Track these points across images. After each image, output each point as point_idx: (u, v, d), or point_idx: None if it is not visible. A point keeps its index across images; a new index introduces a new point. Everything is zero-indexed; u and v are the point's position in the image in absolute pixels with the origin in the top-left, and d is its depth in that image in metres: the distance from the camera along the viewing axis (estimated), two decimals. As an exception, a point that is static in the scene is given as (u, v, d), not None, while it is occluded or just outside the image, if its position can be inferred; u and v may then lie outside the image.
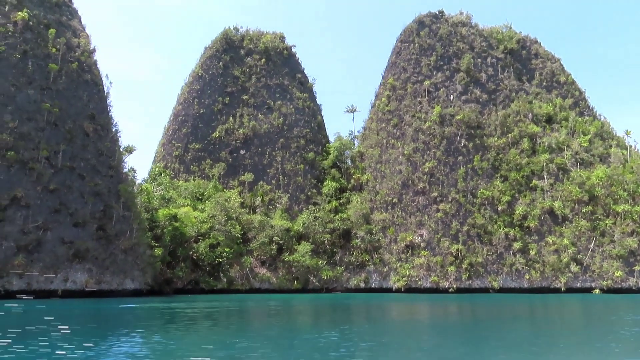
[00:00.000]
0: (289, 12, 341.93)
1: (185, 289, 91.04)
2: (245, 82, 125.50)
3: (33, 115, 70.01)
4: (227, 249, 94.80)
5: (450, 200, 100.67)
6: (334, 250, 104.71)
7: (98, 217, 70.28)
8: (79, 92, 76.03)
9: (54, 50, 74.39)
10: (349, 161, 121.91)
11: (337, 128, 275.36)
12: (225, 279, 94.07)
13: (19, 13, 73.80)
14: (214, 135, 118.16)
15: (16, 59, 71.62)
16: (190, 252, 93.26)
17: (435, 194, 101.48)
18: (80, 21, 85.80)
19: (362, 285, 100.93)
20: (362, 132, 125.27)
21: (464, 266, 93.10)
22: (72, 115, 73.63)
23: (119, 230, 71.83)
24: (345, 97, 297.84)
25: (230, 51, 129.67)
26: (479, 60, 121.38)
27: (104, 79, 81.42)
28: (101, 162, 74.35)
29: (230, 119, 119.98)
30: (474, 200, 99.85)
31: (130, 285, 70.21)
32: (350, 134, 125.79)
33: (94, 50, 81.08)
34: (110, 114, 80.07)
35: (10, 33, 72.43)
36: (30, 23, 74.85)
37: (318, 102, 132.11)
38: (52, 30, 75.83)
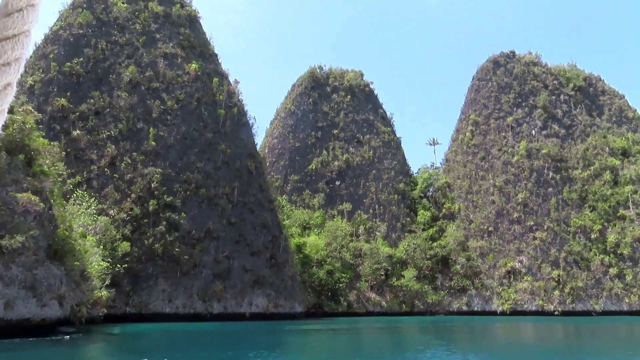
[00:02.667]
0: (358, 52, 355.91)
1: (310, 312, 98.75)
2: (334, 118, 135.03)
3: (211, 155, 79.03)
4: (344, 275, 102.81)
5: (545, 228, 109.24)
6: (435, 275, 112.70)
7: (269, 247, 78.67)
8: (240, 134, 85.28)
9: (220, 97, 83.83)
10: (431, 190, 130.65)
11: (411, 160, 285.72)
12: (345, 303, 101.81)
13: (192, 65, 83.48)
14: (310, 167, 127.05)
15: (193, 106, 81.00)
16: (312, 278, 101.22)
17: (531, 223, 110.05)
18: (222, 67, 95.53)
19: (465, 308, 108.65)
20: (445, 164, 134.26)
21: (567, 290, 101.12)
22: (238, 155, 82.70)
23: (285, 259, 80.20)
24: (416, 129, 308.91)
25: (317, 88, 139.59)
26: (553, 97, 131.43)
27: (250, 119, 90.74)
28: (263, 197, 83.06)
29: (324, 152, 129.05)
30: (568, 229, 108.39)
31: (298, 309, 78.26)
32: (432, 165, 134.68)
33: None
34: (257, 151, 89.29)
35: (186, 83, 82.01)
36: (199, 73, 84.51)
37: (397, 135, 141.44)
38: (215, 80, 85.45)
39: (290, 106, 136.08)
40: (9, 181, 29.88)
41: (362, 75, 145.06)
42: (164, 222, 69.35)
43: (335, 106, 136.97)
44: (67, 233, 34.00)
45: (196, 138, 78.27)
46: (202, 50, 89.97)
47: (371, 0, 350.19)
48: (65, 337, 31.06)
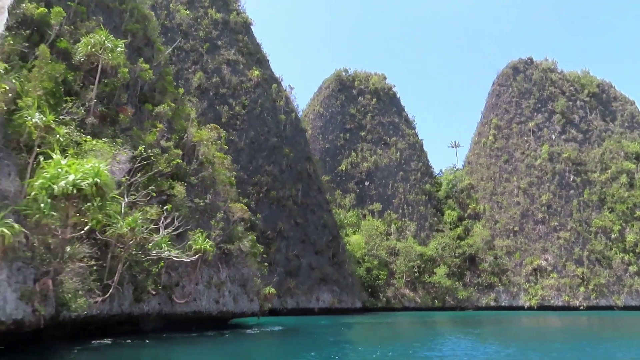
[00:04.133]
0: (378, 55, 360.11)
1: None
2: (362, 120, 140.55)
3: (276, 159, 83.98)
4: (381, 272, 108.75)
5: (568, 228, 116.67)
6: (464, 272, 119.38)
7: (330, 246, 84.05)
8: (298, 138, 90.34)
9: (280, 102, 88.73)
10: (455, 191, 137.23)
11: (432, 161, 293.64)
12: (384, 299, 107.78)
13: (254, 71, 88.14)
14: (340, 168, 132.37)
15: (257, 111, 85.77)
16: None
17: (555, 223, 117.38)
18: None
19: (492, 303, 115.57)
20: (467, 166, 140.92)
21: (590, 287, 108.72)
22: (298, 158, 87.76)
23: (343, 257, 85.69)
24: (431, 132, 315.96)
25: (344, 91, 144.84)
26: (570, 103, 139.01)
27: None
28: (322, 198, 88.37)
29: (353, 153, 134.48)
30: (589, 229, 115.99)
31: (357, 304, 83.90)
32: (454, 167, 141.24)
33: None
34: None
35: (249, 89, 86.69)
36: (259, 79, 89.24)
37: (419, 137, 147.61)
38: (275, 85, 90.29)
39: (319, 108, 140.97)
40: (220, 192, 34.61)
41: (385, 78, 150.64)
42: (242, 223, 73.96)
43: (362, 109, 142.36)
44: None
45: (262, 142, 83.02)
46: (258, 56, 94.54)
47: (391, 4, 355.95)
48: (254, 330, 35.88)
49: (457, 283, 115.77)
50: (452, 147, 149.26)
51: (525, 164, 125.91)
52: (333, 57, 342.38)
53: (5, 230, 16.79)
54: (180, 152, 33.41)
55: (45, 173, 18.96)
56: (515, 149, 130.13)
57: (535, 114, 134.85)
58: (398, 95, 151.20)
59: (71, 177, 18.76)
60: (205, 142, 36.40)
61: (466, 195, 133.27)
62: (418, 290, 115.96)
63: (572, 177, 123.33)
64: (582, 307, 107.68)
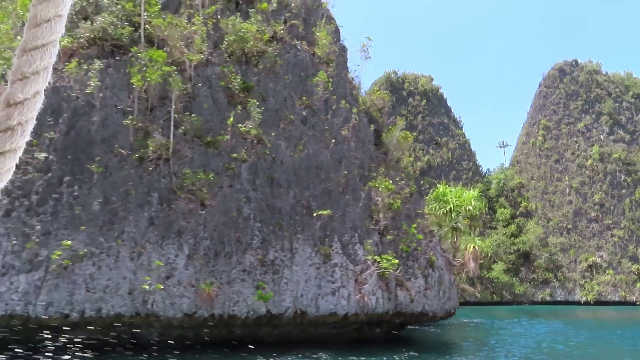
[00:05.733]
0: (423, 56, 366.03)
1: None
2: (412, 120, 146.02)
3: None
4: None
5: (622, 227, 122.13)
6: (519, 268, 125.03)
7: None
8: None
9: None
10: (505, 190, 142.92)
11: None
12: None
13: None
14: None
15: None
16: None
17: (608, 222, 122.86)
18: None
19: (548, 298, 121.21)
20: (515, 165, 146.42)
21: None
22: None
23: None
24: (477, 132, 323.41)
25: (394, 92, 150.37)
26: (616, 104, 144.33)
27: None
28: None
29: (406, 153, 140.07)
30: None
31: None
32: (502, 166, 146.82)
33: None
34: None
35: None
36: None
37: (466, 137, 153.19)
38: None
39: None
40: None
41: (432, 80, 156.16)
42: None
43: (413, 109, 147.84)
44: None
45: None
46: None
47: (435, 6, 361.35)
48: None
49: (513, 279, 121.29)
50: (501, 147, 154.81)
51: (577, 164, 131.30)
52: (378, 58, 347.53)
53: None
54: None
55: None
56: (566, 150, 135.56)
57: (583, 115, 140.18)
58: (445, 97, 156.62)
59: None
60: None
61: (517, 193, 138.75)
62: (477, 285, 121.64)
63: (622, 176, 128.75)
64: (638, 302, 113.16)
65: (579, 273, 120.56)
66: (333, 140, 23.52)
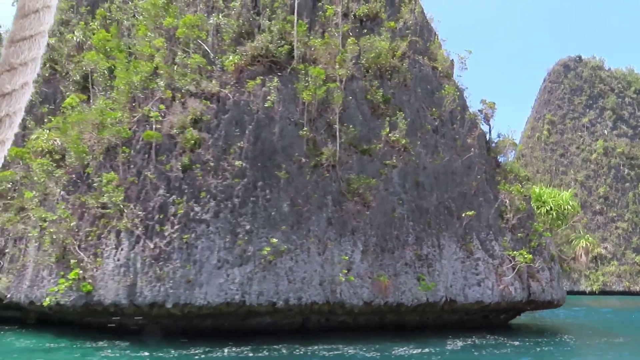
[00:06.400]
0: None
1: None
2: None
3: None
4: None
5: (626, 219, 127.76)
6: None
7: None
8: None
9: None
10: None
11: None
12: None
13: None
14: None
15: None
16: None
17: (613, 214, 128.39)
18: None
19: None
20: (519, 158, 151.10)
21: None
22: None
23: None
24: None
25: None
26: (619, 100, 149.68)
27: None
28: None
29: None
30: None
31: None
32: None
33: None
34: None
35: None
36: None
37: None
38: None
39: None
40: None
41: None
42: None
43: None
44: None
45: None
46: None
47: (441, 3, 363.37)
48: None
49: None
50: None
51: (581, 158, 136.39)
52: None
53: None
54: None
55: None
56: (571, 144, 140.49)
57: (587, 110, 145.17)
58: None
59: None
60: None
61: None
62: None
63: (626, 170, 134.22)
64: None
65: (584, 264, 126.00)
66: (462, 147, 26.73)
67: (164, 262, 20.48)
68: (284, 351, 18.60)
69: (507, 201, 26.13)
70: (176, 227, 20.90)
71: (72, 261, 22.62)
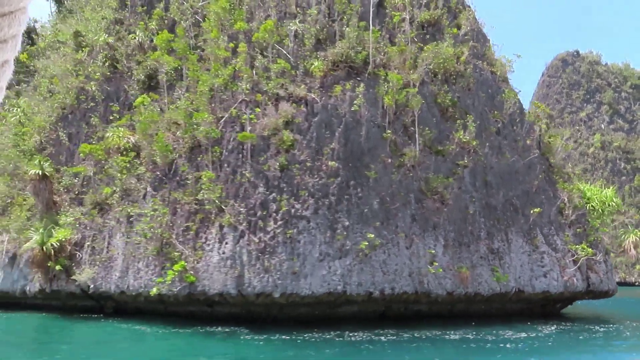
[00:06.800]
0: None
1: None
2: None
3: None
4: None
5: (622, 212, 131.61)
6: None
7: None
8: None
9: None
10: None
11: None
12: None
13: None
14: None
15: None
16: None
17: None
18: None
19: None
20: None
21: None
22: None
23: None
24: None
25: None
26: (616, 94, 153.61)
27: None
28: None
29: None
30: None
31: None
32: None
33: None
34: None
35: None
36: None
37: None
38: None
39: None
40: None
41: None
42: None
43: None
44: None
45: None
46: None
47: None
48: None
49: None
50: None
51: (579, 152, 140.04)
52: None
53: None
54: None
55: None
56: (569, 138, 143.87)
57: (585, 104, 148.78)
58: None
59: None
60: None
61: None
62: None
63: (622, 164, 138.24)
64: (637, 283, 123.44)
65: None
66: (522, 148, 28.91)
67: (269, 255, 22.33)
68: (392, 337, 20.64)
69: (566, 198, 28.42)
70: (279, 222, 22.73)
71: (173, 253, 24.36)
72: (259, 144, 24.65)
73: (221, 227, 23.53)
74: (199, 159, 26.28)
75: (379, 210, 23.87)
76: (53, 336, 24.29)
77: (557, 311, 30.07)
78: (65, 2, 49.68)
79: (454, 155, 26.77)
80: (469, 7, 33.59)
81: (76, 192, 34.52)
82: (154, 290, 23.76)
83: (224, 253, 22.99)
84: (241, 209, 23.35)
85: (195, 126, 27.34)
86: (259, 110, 25.17)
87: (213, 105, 27.95)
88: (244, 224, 23.03)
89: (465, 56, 29.51)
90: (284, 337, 20.26)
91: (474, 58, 30.67)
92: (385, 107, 25.99)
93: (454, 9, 32.33)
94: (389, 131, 25.41)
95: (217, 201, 24.25)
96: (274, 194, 23.41)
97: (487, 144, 27.89)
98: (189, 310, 26.17)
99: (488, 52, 32.01)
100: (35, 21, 52.06)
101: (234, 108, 26.35)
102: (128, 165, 30.27)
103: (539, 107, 33.76)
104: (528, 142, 29.61)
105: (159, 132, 29.63)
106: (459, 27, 31.96)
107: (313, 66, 26.13)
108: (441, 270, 23.74)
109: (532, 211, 26.77)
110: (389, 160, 24.90)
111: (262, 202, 23.37)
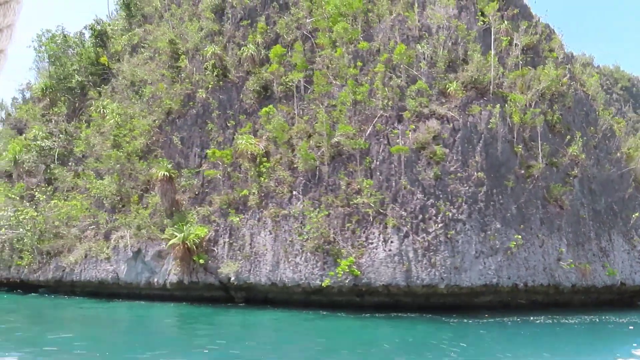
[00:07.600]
0: None
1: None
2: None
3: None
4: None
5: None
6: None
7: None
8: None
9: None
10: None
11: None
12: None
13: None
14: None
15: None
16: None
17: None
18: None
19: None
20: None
21: None
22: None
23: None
24: None
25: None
26: (607, 96, 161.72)
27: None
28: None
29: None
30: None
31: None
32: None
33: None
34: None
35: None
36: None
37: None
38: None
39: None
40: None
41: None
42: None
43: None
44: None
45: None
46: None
47: None
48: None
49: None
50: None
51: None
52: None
53: None
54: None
55: None
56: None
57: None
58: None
59: None
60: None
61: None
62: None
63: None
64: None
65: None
66: (616, 160, 33.80)
67: (433, 253, 26.52)
68: (539, 321, 25.20)
69: (653, 204, 33.48)
70: (439, 225, 26.92)
71: (334, 250, 28.29)
72: (411, 156, 28.69)
73: (385, 228, 27.54)
74: (348, 167, 30.15)
75: (517, 215, 28.29)
76: (256, 327, 27.94)
77: (632, 302, 35.10)
78: (132, 8, 52.01)
79: (564, 166, 31.36)
80: (555, 33, 38.22)
81: (196, 192, 37.95)
82: (327, 282, 27.64)
83: (390, 250, 27.04)
84: (402, 213, 27.41)
85: (338, 137, 31.16)
86: (413, 127, 29.19)
87: (352, 118, 31.78)
88: (407, 226, 27.11)
89: (566, 78, 34.06)
90: (464, 320, 24.66)
91: (569, 79, 35.28)
92: (511, 124, 30.34)
93: (548, 34, 36.96)
94: (518, 146, 29.82)
95: (372, 205, 28.25)
96: (431, 199, 27.54)
97: (592, 156, 32.63)
98: (333, 300, 30.14)
99: (577, 72, 36.69)
100: (108, 25, 54.30)
101: (379, 123, 30.29)
102: (264, 170, 33.88)
103: (619, 123, 38.51)
104: (618, 154, 34.50)
105: (293, 139, 33.42)
106: (550, 50, 36.50)
107: (451, 88, 30.26)
108: (570, 265, 28.36)
109: (633, 215, 31.70)
110: (522, 171, 29.32)
111: (421, 207, 27.48)
